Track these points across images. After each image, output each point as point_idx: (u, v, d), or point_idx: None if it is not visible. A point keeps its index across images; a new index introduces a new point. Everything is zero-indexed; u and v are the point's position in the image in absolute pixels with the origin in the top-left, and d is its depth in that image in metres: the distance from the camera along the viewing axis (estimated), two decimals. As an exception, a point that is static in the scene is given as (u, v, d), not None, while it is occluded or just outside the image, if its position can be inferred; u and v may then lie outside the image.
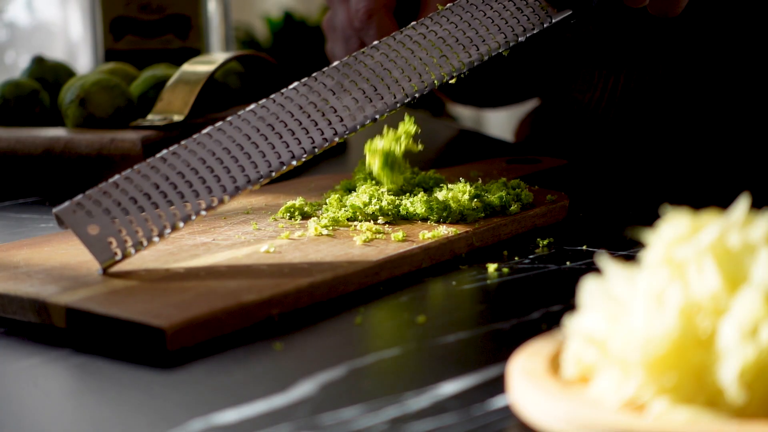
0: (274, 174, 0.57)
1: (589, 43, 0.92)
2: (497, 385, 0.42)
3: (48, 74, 0.89)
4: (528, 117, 1.09)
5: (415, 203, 0.62)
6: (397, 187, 0.63)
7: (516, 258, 0.59)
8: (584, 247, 0.60)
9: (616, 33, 0.89)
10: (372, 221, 0.61)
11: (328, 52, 0.90)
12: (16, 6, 1.69)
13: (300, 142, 0.57)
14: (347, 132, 0.58)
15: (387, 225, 0.61)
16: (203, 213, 0.55)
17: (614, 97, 0.91)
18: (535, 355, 0.40)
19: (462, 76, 0.62)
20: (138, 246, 0.54)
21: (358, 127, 0.59)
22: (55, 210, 0.54)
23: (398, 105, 0.60)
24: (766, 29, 0.85)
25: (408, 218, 0.62)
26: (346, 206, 0.63)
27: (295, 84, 0.59)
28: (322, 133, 0.58)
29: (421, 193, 0.63)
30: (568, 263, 0.58)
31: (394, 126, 0.64)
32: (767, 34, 0.85)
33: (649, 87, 0.89)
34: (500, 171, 0.74)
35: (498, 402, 0.41)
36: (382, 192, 0.63)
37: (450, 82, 0.61)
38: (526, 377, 0.38)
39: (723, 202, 0.44)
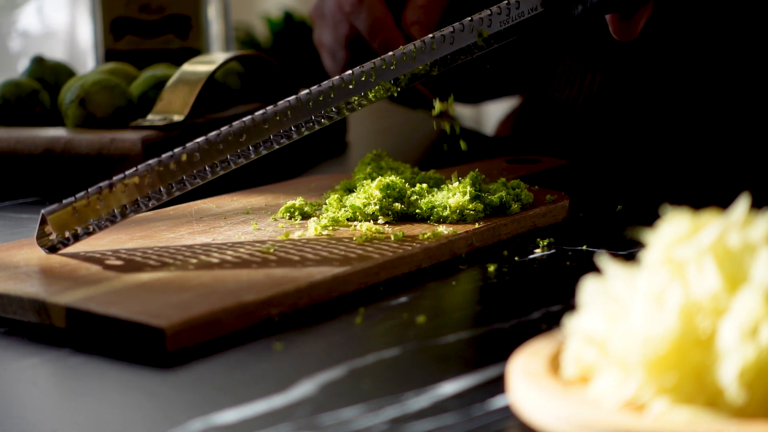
0: None
1: (566, 44, 0.92)
2: (497, 385, 0.42)
3: (48, 74, 0.89)
4: (511, 114, 1.09)
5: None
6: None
7: (516, 258, 0.59)
8: (584, 247, 0.60)
9: (591, 35, 0.90)
10: (372, 221, 0.61)
11: (316, 40, 0.89)
12: (28, 15, 1.69)
13: None
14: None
15: (387, 225, 0.61)
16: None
17: (591, 94, 0.91)
18: (535, 355, 0.40)
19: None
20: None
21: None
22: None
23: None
24: (759, 29, 0.85)
25: (408, 218, 0.62)
26: (346, 206, 0.63)
27: None
28: None
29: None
30: (568, 263, 0.58)
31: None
32: (761, 34, 0.85)
33: (625, 84, 0.89)
34: (500, 171, 0.74)
35: (498, 402, 0.41)
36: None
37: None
38: (526, 377, 0.38)
39: (723, 202, 0.44)
